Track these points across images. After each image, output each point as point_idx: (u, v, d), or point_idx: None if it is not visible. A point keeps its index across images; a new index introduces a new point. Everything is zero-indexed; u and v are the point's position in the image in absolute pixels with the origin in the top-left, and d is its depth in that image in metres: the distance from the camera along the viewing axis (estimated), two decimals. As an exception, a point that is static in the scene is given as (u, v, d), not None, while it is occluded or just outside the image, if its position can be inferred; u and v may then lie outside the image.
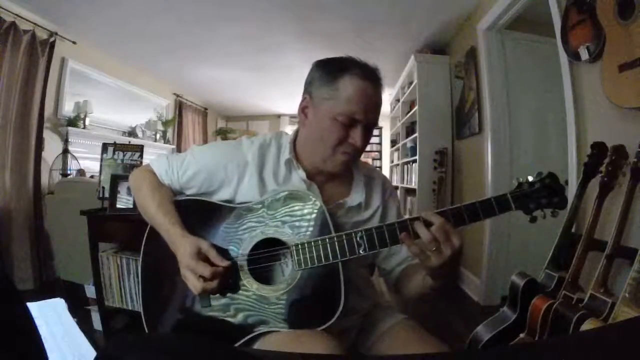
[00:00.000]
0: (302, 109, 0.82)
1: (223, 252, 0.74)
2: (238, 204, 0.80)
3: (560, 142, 1.92)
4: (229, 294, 0.74)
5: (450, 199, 3.11)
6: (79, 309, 1.84)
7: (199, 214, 0.81)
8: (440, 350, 0.74)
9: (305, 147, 0.83)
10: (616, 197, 1.20)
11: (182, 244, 0.72)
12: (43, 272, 2.65)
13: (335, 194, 0.85)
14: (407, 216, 0.76)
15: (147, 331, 0.80)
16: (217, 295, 0.74)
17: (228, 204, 0.80)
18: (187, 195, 0.85)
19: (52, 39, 2.86)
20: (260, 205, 0.77)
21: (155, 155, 0.94)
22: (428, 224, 0.66)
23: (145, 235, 0.85)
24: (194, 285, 0.69)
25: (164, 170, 0.84)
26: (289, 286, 0.71)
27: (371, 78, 0.76)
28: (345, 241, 0.70)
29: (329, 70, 0.77)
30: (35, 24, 2.71)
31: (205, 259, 0.70)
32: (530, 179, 0.70)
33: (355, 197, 0.85)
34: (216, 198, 0.83)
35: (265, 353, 0.61)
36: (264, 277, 0.75)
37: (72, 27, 3.02)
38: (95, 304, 1.77)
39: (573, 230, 1.39)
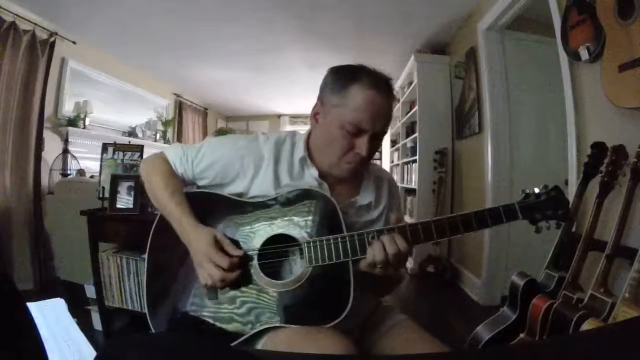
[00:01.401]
0: (314, 114, 0.83)
1: (234, 244, 0.75)
2: (250, 198, 0.81)
3: (560, 142, 1.92)
4: (235, 288, 0.74)
5: (450, 199, 3.11)
6: (79, 309, 1.84)
7: (210, 207, 0.81)
8: (440, 350, 0.74)
9: (316, 149, 0.84)
10: (616, 197, 1.20)
11: (197, 234, 0.73)
12: (43, 272, 2.64)
13: (345, 193, 0.86)
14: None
15: (150, 324, 0.80)
16: (225, 288, 0.74)
17: (241, 199, 0.81)
18: (199, 188, 0.86)
19: (52, 39, 2.86)
20: (274, 202, 0.78)
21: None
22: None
23: (153, 227, 0.85)
24: (213, 274, 0.70)
25: (178, 158, 0.85)
26: (299, 282, 0.72)
27: (381, 88, 0.76)
28: (357, 241, 0.71)
29: (341, 77, 0.78)
30: (35, 24, 2.71)
31: (221, 250, 0.72)
32: (537, 190, 0.73)
33: (366, 196, 0.86)
34: (229, 190, 0.83)
35: (265, 353, 0.61)
36: (273, 272, 0.75)
37: (72, 27, 3.02)
38: (95, 304, 1.77)
39: (573, 230, 1.39)
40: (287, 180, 0.82)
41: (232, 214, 0.79)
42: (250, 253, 0.75)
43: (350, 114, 0.75)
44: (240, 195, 0.83)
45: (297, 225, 0.75)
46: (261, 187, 0.81)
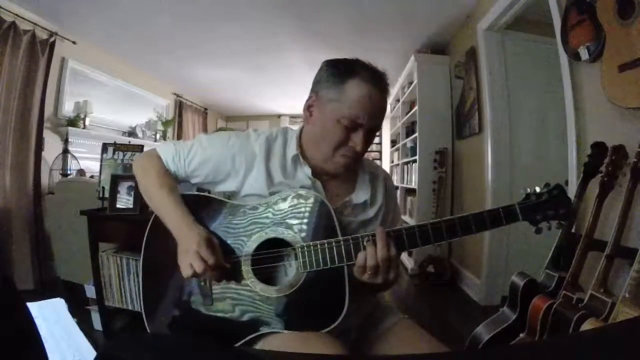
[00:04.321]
0: (308, 107, 0.82)
1: (227, 252, 0.75)
2: (243, 197, 0.81)
3: (560, 142, 1.91)
4: (230, 294, 0.74)
5: (450, 199, 3.11)
6: (79, 309, 1.84)
7: (203, 210, 0.80)
8: (440, 350, 0.74)
9: (309, 144, 0.83)
10: (616, 197, 1.20)
11: (192, 231, 0.72)
12: (43, 272, 2.64)
13: (340, 191, 0.84)
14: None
15: (147, 328, 0.80)
16: (220, 294, 0.74)
17: (235, 202, 0.80)
18: (194, 185, 0.85)
19: (52, 39, 2.86)
20: (266, 205, 0.76)
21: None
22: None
23: (147, 231, 0.84)
24: (196, 265, 0.68)
25: (170, 156, 0.84)
26: (293, 288, 0.71)
27: (378, 83, 0.76)
28: (352, 245, 0.70)
29: (338, 71, 0.77)
30: (35, 24, 2.71)
31: (212, 251, 0.71)
32: (538, 189, 0.71)
33: (361, 194, 0.84)
34: (221, 188, 0.83)
35: (265, 353, 0.61)
36: (268, 277, 0.75)
37: (72, 27, 3.02)
38: (95, 304, 1.77)
39: (573, 230, 1.39)
40: (280, 177, 0.80)
41: (224, 217, 0.78)
42: (243, 258, 0.74)
43: (347, 109, 0.74)
44: (233, 193, 0.82)
45: (290, 228, 0.74)
46: (254, 185, 0.80)
